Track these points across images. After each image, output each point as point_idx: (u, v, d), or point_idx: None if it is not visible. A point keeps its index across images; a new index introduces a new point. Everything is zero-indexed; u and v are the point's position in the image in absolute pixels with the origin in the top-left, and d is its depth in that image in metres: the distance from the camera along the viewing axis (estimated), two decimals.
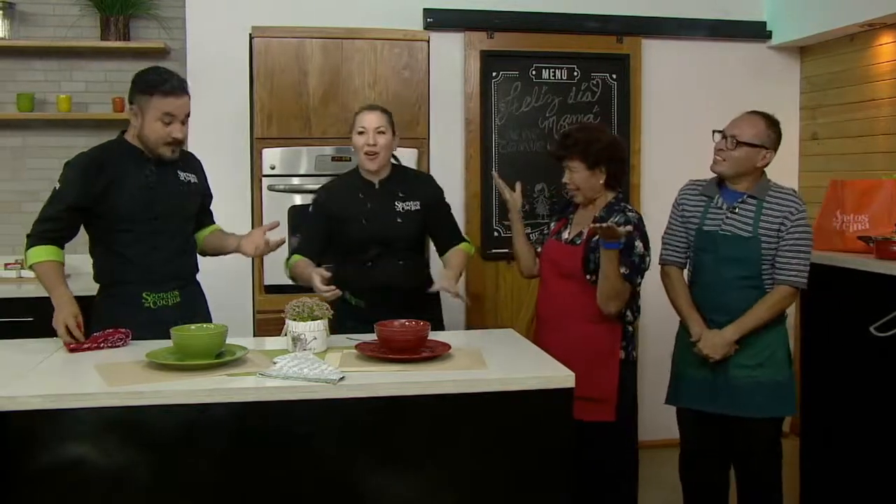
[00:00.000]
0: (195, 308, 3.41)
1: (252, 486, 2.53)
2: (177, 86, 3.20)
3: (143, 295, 3.27)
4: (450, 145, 4.94)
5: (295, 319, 2.95)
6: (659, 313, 4.99)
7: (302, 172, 4.46)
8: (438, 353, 2.84)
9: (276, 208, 4.43)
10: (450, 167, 4.91)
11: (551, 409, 2.65)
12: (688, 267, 3.56)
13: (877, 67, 4.67)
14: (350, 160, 4.48)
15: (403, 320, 2.99)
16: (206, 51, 4.65)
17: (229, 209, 4.63)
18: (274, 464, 2.53)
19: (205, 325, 2.92)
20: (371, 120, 3.57)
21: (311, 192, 4.45)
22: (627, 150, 3.49)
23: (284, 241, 3.55)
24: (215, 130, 4.68)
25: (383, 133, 3.56)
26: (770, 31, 5.20)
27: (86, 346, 3.01)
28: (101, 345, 3.02)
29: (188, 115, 3.26)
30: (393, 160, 3.75)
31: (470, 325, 4.86)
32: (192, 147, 4.64)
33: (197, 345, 2.74)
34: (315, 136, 4.50)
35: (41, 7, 4.93)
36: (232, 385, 2.54)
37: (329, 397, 2.52)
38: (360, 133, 3.57)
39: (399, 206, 3.63)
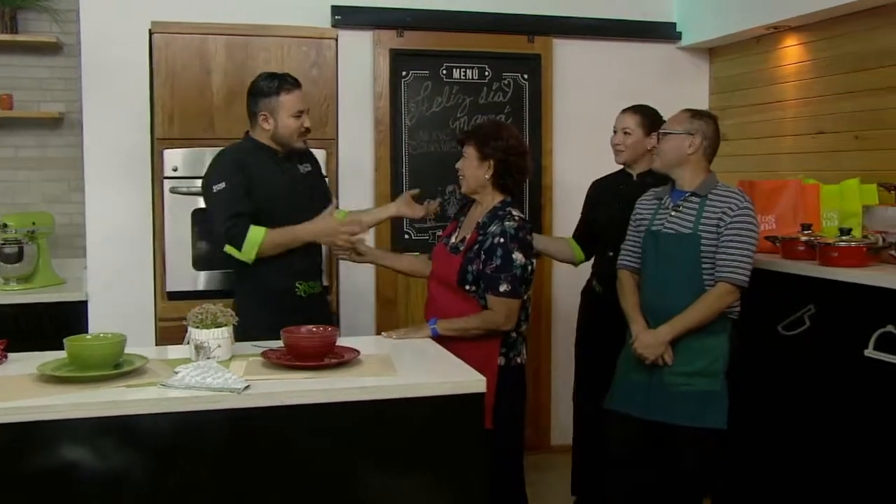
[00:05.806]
0: (326, 297, 3.77)
1: (154, 500, 2.43)
2: (294, 81, 3.52)
3: (297, 284, 3.50)
4: (359, 146, 4.86)
5: (198, 327, 2.84)
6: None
7: None
8: (347, 360, 2.78)
9: (180, 211, 4.27)
10: (359, 168, 4.84)
11: (463, 414, 2.62)
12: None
13: (782, 69, 4.75)
14: None
15: (311, 326, 2.93)
16: (103, 46, 4.46)
17: (129, 212, 4.49)
18: (178, 476, 2.44)
19: (101, 335, 2.79)
20: (619, 121, 4.03)
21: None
22: (531, 161, 3.49)
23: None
24: (113, 130, 4.50)
25: (629, 134, 3.96)
26: (680, 32, 5.25)
27: None
28: None
29: None
30: None
31: (381, 330, 4.78)
32: (89, 147, 4.49)
33: (93, 355, 2.62)
34: (219, 136, 4.35)
35: None
36: (130, 397, 2.45)
37: (233, 407, 2.45)
38: (614, 133, 4.02)
39: None
